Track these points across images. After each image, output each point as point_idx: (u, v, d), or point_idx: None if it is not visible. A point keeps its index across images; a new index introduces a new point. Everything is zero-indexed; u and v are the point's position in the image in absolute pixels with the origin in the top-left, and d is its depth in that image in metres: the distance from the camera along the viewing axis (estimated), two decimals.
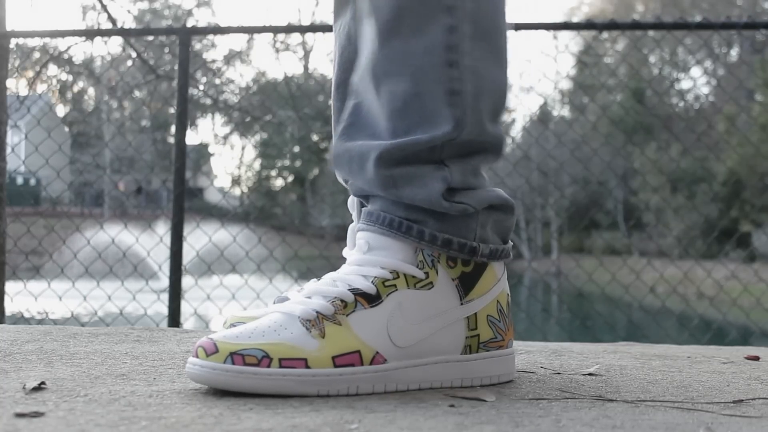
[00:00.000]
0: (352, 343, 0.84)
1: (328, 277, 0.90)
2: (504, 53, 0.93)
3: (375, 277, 0.87)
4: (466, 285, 0.90)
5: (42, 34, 3.66)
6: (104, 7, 4.97)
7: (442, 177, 0.89)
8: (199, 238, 3.69)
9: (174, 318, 2.92)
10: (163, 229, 3.59)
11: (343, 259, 1.12)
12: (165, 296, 2.98)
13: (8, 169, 3.51)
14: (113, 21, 5.00)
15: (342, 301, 0.85)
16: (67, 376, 0.89)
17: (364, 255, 0.90)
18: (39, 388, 0.82)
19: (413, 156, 0.89)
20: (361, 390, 0.83)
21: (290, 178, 30.83)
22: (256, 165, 31.16)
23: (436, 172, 0.89)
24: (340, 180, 1.02)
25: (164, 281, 3.06)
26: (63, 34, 3.62)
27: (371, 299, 0.86)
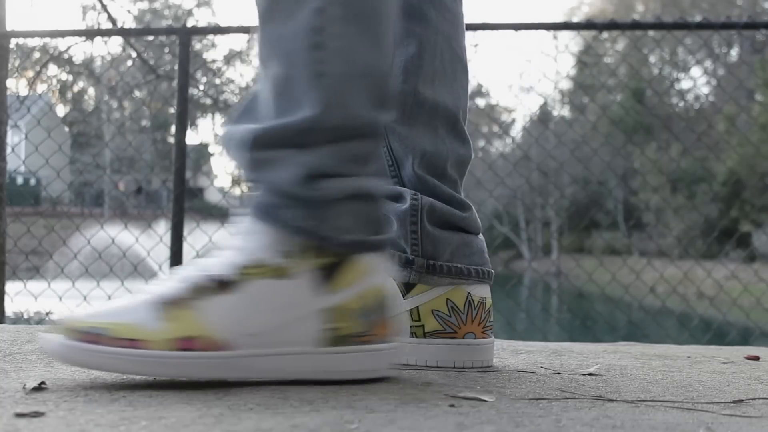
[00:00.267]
0: (196, 327, 0.83)
1: (201, 261, 0.91)
2: (384, 37, 0.90)
3: (235, 263, 0.87)
4: (324, 276, 0.88)
5: (42, 34, 3.66)
6: (104, 7, 4.97)
7: (304, 162, 0.87)
8: (199, 238, 3.69)
9: None
10: (163, 229, 3.59)
11: None
12: None
13: (8, 169, 3.51)
14: (113, 21, 5.01)
15: (197, 285, 0.86)
16: (67, 376, 0.89)
17: (237, 241, 0.90)
18: (39, 388, 0.82)
19: (281, 140, 0.88)
20: (200, 375, 0.83)
21: None
22: None
23: (299, 156, 0.87)
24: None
25: None
26: (63, 34, 3.63)
27: (226, 286, 0.86)
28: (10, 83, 3.98)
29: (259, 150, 0.89)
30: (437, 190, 1.09)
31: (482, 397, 0.83)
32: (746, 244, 13.46)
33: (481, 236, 1.14)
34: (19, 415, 0.69)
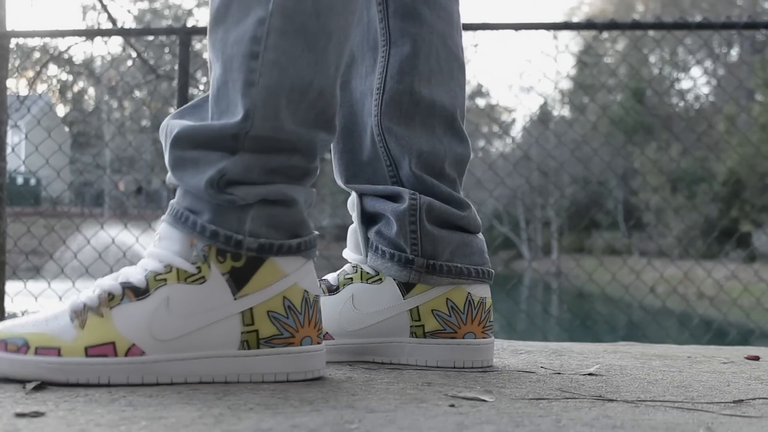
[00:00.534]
0: (108, 334, 0.86)
1: (122, 269, 0.92)
2: (327, 56, 0.90)
3: (149, 270, 0.89)
4: (237, 280, 0.89)
5: (42, 34, 3.66)
6: (104, 7, 4.97)
7: (221, 167, 0.87)
8: None
9: None
10: None
11: (344, 260, 1.13)
12: None
13: (8, 169, 3.51)
14: (113, 21, 5.00)
15: (109, 293, 0.87)
16: None
17: (153, 247, 0.91)
18: (39, 388, 0.82)
19: (205, 141, 0.88)
20: (114, 380, 0.84)
21: None
22: None
23: (219, 161, 0.88)
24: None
25: None
26: (63, 34, 3.63)
27: (139, 292, 0.87)
28: (10, 83, 3.99)
29: (182, 149, 0.89)
30: (435, 189, 1.09)
31: (482, 397, 0.83)
32: (746, 244, 13.46)
33: (480, 236, 1.14)
34: (19, 415, 0.69)
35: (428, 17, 1.10)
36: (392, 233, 1.07)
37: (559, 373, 1.04)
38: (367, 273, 1.08)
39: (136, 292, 0.87)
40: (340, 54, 0.91)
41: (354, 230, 1.12)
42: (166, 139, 0.92)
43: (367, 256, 1.09)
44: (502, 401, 0.83)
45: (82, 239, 4.01)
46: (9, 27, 3.46)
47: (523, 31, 3.15)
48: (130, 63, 5.05)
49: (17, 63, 4.94)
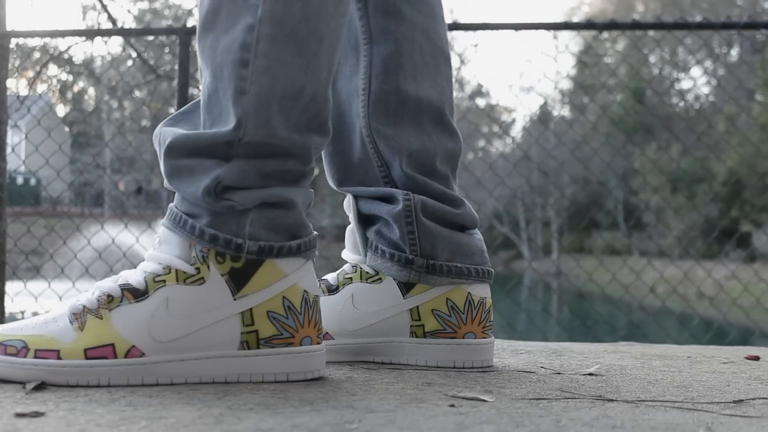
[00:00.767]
0: (108, 336, 0.86)
1: (121, 272, 0.93)
2: (318, 60, 0.89)
3: (148, 272, 0.89)
4: (237, 280, 0.89)
5: (42, 34, 3.66)
6: (104, 7, 4.97)
7: (216, 174, 0.87)
8: None
9: None
10: None
11: (343, 259, 1.13)
12: None
13: (8, 169, 3.51)
14: (113, 21, 5.00)
15: (109, 295, 0.88)
16: None
17: (153, 250, 0.92)
18: (39, 388, 0.82)
19: (198, 150, 0.88)
20: (114, 382, 0.85)
21: None
22: None
23: (213, 168, 0.88)
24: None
25: None
26: (63, 34, 3.62)
27: (138, 294, 0.88)
28: (10, 83, 3.98)
29: (176, 157, 0.89)
30: (428, 187, 1.08)
31: (482, 397, 0.83)
32: (746, 244, 13.46)
33: (480, 235, 1.14)
34: (19, 415, 0.69)
35: (409, 13, 1.09)
36: (391, 234, 1.07)
37: (559, 373, 1.04)
38: (367, 273, 1.09)
39: (135, 293, 0.88)
40: (331, 57, 0.91)
41: (352, 230, 1.12)
42: (160, 148, 0.92)
43: (366, 256, 1.09)
44: (502, 401, 0.83)
45: (82, 239, 4.01)
46: (9, 27, 3.46)
47: (523, 31, 3.15)
48: (130, 63, 5.05)
49: (17, 63, 4.94)
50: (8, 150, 3.50)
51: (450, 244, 1.08)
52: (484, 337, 1.09)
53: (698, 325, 4.65)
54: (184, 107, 0.96)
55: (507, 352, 1.24)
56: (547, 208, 22.74)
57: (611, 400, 0.85)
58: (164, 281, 0.88)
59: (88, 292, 0.90)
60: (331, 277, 1.11)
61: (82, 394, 0.80)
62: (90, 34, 4.24)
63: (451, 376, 0.98)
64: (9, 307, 3.44)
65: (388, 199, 1.08)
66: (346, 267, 1.11)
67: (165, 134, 0.91)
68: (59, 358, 0.85)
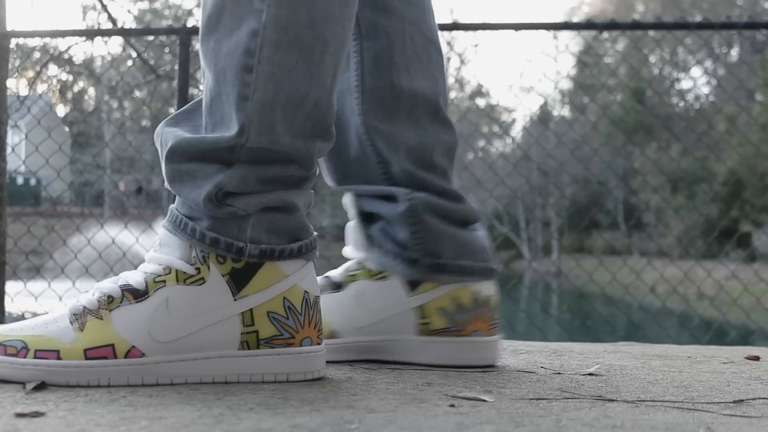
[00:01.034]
0: (107, 336, 0.86)
1: (122, 273, 0.93)
2: (322, 66, 0.88)
3: (148, 273, 0.89)
4: (237, 281, 0.89)
5: (42, 34, 3.66)
6: (104, 7, 4.97)
7: (217, 180, 0.87)
8: None
9: None
10: None
11: (344, 259, 1.13)
12: None
13: (8, 169, 3.50)
14: (113, 21, 5.00)
15: (109, 296, 0.88)
16: None
17: (154, 252, 0.91)
18: (39, 388, 0.82)
19: (200, 154, 0.88)
20: (114, 382, 0.85)
21: None
22: None
23: (215, 174, 0.87)
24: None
25: None
26: (63, 34, 3.62)
27: (138, 294, 0.88)
28: (10, 83, 3.98)
29: (178, 161, 0.89)
30: (429, 184, 1.08)
31: (482, 397, 0.83)
32: (746, 244, 13.45)
33: (482, 230, 1.13)
34: (19, 415, 0.69)
35: (398, 7, 1.08)
36: (395, 233, 1.06)
37: (559, 373, 1.04)
38: (371, 270, 1.08)
39: (135, 294, 0.88)
40: (336, 63, 0.90)
41: (354, 227, 1.11)
42: (161, 149, 0.91)
43: (370, 254, 1.08)
44: (502, 401, 0.83)
45: (82, 239, 4.01)
46: (9, 27, 3.46)
47: (523, 31, 3.15)
48: (130, 63, 5.05)
49: (17, 63, 4.94)
50: (8, 150, 3.50)
51: (454, 242, 1.07)
52: (490, 335, 1.08)
53: (698, 325, 4.65)
54: (187, 106, 0.95)
55: (507, 352, 1.24)
56: (547, 208, 22.75)
57: (611, 400, 0.85)
58: (164, 282, 0.88)
59: (89, 292, 0.90)
60: (335, 274, 1.10)
61: (82, 394, 0.80)
62: (90, 34, 4.24)
63: (451, 376, 0.98)
64: (9, 307, 3.44)
65: (390, 198, 1.07)
66: (350, 264, 1.10)
67: (167, 136, 0.91)
68: (59, 358, 0.85)
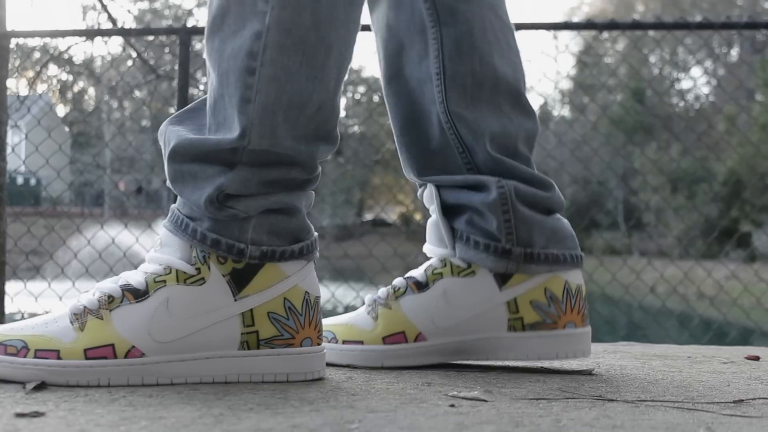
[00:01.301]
0: (107, 336, 0.86)
1: (122, 273, 0.93)
2: (326, 70, 0.88)
3: (149, 273, 0.89)
4: (238, 281, 0.88)
5: (42, 34, 3.66)
6: (104, 7, 4.97)
7: (218, 183, 0.86)
8: None
9: None
10: None
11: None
12: None
13: (8, 169, 3.51)
14: (113, 21, 5.01)
15: (109, 296, 0.88)
16: None
17: (155, 252, 0.91)
18: (39, 388, 0.82)
19: (202, 155, 0.87)
20: (114, 382, 0.85)
21: None
22: None
23: (217, 176, 0.87)
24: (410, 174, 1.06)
25: None
26: (63, 34, 3.63)
27: (138, 294, 0.88)
28: (10, 83, 3.98)
29: (181, 162, 0.89)
30: (516, 171, 1.05)
31: (482, 397, 0.83)
32: (746, 244, 13.44)
33: (565, 219, 1.10)
34: (19, 415, 0.69)
35: None
36: (485, 224, 1.03)
37: (559, 373, 1.04)
38: (458, 266, 1.04)
39: (135, 294, 0.88)
40: (341, 66, 0.90)
41: (435, 223, 1.07)
42: (165, 148, 0.91)
43: (455, 249, 1.05)
44: (502, 401, 0.83)
45: (82, 239, 4.01)
46: (9, 27, 3.46)
47: (523, 31, 3.15)
48: (130, 63, 5.04)
49: (17, 63, 4.94)
50: (8, 150, 3.50)
51: (544, 230, 1.05)
52: (583, 326, 1.06)
53: (698, 325, 4.65)
54: (192, 104, 0.95)
55: None
56: None
57: (611, 400, 0.85)
58: (165, 282, 0.88)
59: (89, 292, 0.90)
60: (417, 273, 1.06)
61: (82, 394, 0.80)
62: (90, 34, 4.24)
63: (451, 376, 0.98)
64: (9, 307, 3.44)
65: (478, 187, 1.04)
66: (433, 261, 1.07)
67: (170, 135, 0.90)
68: (59, 358, 0.85)
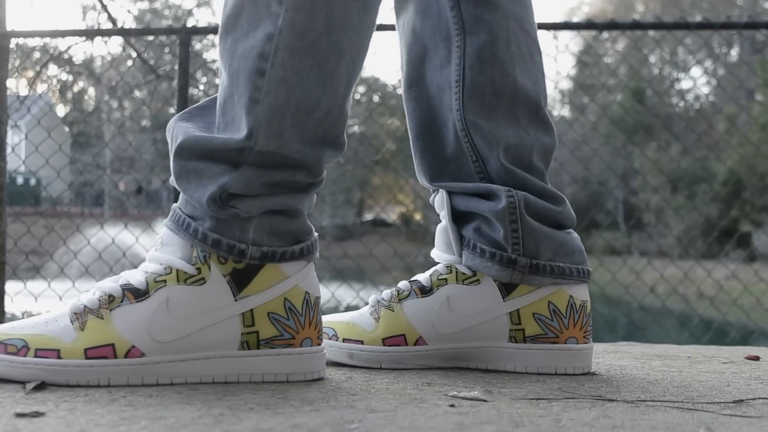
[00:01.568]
0: (108, 336, 0.86)
1: (123, 272, 0.93)
2: (336, 75, 0.87)
3: (149, 272, 0.89)
4: (238, 281, 0.88)
5: (42, 34, 3.67)
6: (104, 7, 4.97)
7: (222, 181, 0.86)
8: None
9: None
10: None
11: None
12: None
13: (8, 169, 3.51)
14: (113, 21, 5.00)
15: (109, 295, 0.88)
16: None
17: (155, 251, 0.91)
18: (39, 388, 0.82)
19: (208, 153, 0.87)
20: (114, 382, 0.85)
21: None
22: None
23: (221, 175, 0.87)
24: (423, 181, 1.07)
25: None
26: (63, 34, 3.63)
27: (139, 294, 0.88)
28: (10, 83, 3.99)
29: (185, 158, 0.89)
30: (528, 183, 1.05)
31: (482, 397, 0.83)
32: (746, 244, 13.44)
33: (575, 233, 1.10)
34: (19, 415, 0.69)
35: (502, 2, 1.05)
36: (492, 232, 1.03)
37: (559, 374, 1.04)
38: (463, 273, 1.04)
39: (135, 293, 0.88)
40: (351, 71, 0.89)
41: (444, 229, 1.07)
42: (172, 144, 0.91)
43: (462, 256, 1.05)
44: (502, 401, 0.83)
45: (82, 239, 4.01)
46: (9, 27, 3.46)
47: None
48: (130, 63, 5.04)
49: (17, 63, 4.94)
50: (8, 150, 3.50)
51: (551, 242, 1.04)
52: (585, 342, 1.06)
53: (698, 325, 4.65)
54: (202, 102, 0.95)
55: None
56: None
57: (611, 400, 0.85)
58: (165, 281, 0.88)
59: (89, 291, 0.90)
60: (423, 278, 1.06)
61: (82, 394, 0.80)
62: (90, 34, 4.24)
63: (451, 377, 0.98)
64: (9, 307, 3.44)
65: (488, 196, 1.04)
66: (439, 267, 1.07)
67: (178, 131, 0.90)
68: (59, 357, 0.85)
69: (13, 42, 3.81)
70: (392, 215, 16.45)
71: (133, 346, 0.86)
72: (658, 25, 3.32)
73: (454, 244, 1.05)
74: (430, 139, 1.09)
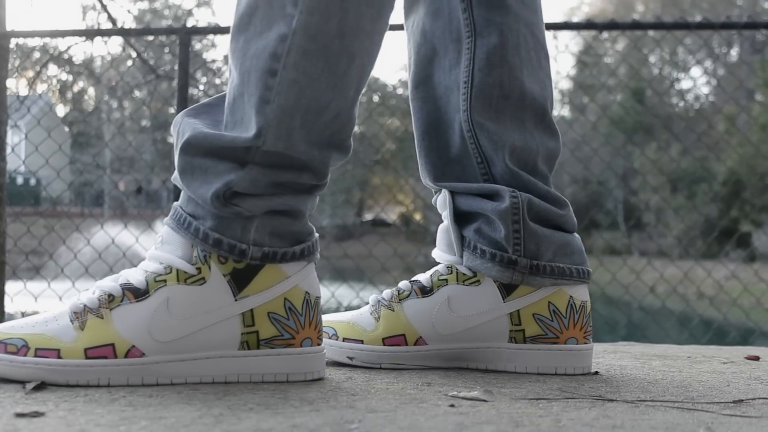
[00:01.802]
0: (108, 335, 0.86)
1: (123, 271, 0.92)
2: (347, 78, 0.87)
3: (149, 272, 0.89)
4: (238, 281, 0.88)
5: (42, 34, 3.66)
6: (104, 7, 4.97)
7: (228, 179, 0.86)
8: None
9: None
10: None
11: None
12: None
13: (8, 169, 3.51)
14: (113, 21, 5.00)
15: (109, 295, 0.88)
16: None
17: (155, 250, 0.91)
18: (39, 388, 0.82)
19: (215, 150, 0.87)
20: (114, 382, 0.85)
21: None
22: None
23: (227, 172, 0.87)
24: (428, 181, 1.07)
25: None
26: (63, 34, 3.63)
27: (139, 294, 0.87)
28: (10, 83, 3.99)
29: (191, 155, 0.89)
30: (532, 186, 1.05)
31: (482, 397, 0.83)
32: (746, 244, 13.44)
33: (577, 235, 1.10)
34: (19, 415, 0.69)
35: (514, 6, 1.06)
36: (494, 232, 1.03)
37: (559, 373, 1.04)
38: (464, 274, 1.04)
39: (135, 293, 0.88)
40: (361, 76, 0.90)
41: (446, 229, 1.07)
42: (178, 139, 0.91)
43: (462, 257, 1.05)
44: (502, 401, 0.83)
45: (81, 239, 4.01)
46: (9, 27, 3.46)
47: None
48: (130, 63, 5.04)
49: (17, 63, 4.94)
50: (8, 150, 3.50)
51: (552, 243, 1.05)
52: (585, 343, 1.06)
53: (698, 325, 4.65)
54: (209, 99, 0.95)
55: None
56: None
57: (611, 400, 0.85)
58: (165, 281, 0.88)
59: (89, 291, 0.90)
60: (423, 278, 1.07)
61: (82, 394, 0.80)
62: (90, 34, 4.24)
63: (451, 377, 0.98)
64: (9, 307, 3.44)
65: (492, 196, 1.04)
66: (439, 267, 1.07)
67: (185, 127, 0.90)
68: (59, 357, 0.84)
69: (13, 42, 3.82)
70: (392, 215, 16.46)
71: (133, 346, 0.86)
72: (658, 25, 3.32)
73: (455, 245, 1.05)
74: (435, 140, 1.09)
